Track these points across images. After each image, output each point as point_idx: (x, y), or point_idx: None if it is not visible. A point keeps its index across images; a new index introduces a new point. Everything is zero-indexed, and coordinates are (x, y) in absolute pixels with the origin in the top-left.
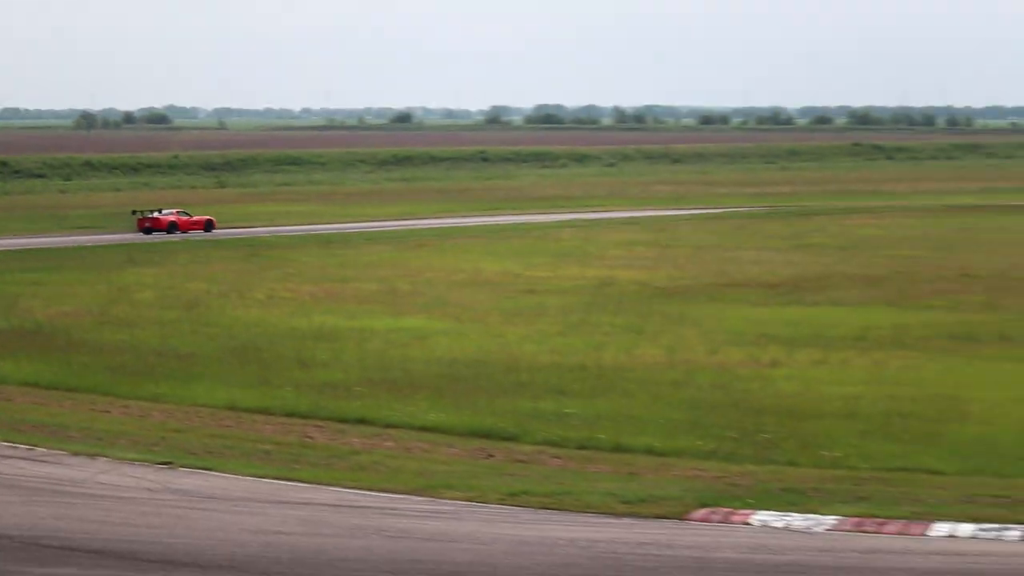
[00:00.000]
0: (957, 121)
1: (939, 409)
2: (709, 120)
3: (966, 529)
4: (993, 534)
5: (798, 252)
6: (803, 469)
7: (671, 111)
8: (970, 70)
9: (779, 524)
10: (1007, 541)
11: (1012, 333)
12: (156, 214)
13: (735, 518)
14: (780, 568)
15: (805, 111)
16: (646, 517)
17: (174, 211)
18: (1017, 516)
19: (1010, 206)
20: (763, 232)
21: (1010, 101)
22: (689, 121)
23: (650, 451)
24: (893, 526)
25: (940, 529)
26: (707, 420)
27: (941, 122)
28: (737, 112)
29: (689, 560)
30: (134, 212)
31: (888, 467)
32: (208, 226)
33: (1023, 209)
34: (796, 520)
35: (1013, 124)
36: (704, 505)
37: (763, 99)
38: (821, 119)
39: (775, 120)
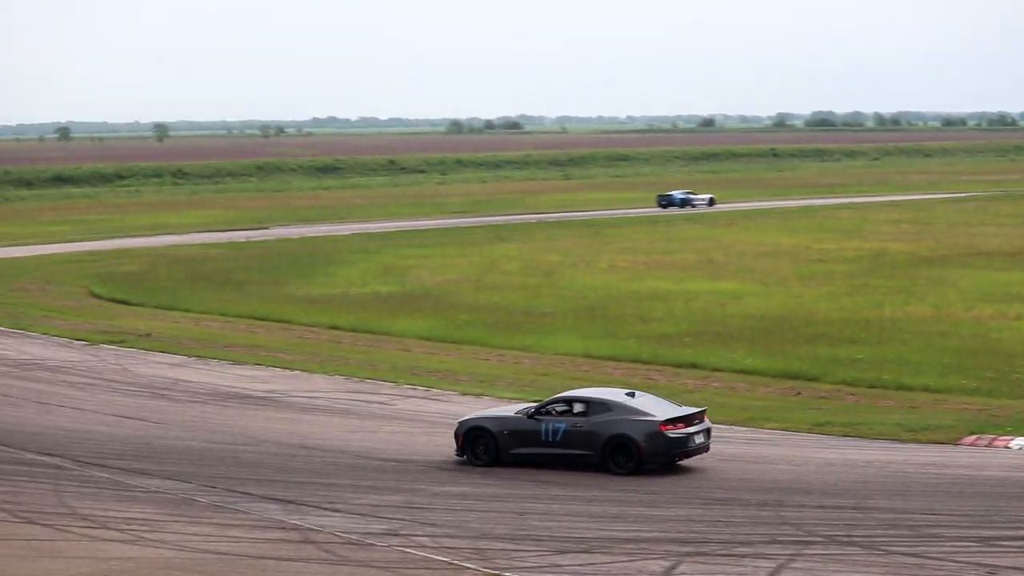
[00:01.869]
0: None
1: None
2: (950, 123)
3: None
4: None
5: None
6: None
7: (919, 115)
8: None
9: None
10: None
11: None
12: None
13: (998, 443)
14: None
15: None
16: (925, 443)
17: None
18: None
19: None
20: (1001, 212)
21: None
22: (934, 123)
23: (926, 389)
24: None
25: None
26: (969, 363)
27: None
28: (971, 116)
29: (963, 477)
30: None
31: None
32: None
33: None
34: None
35: None
36: (972, 432)
37: (992, 104)
38: None
39: (1002, 122)
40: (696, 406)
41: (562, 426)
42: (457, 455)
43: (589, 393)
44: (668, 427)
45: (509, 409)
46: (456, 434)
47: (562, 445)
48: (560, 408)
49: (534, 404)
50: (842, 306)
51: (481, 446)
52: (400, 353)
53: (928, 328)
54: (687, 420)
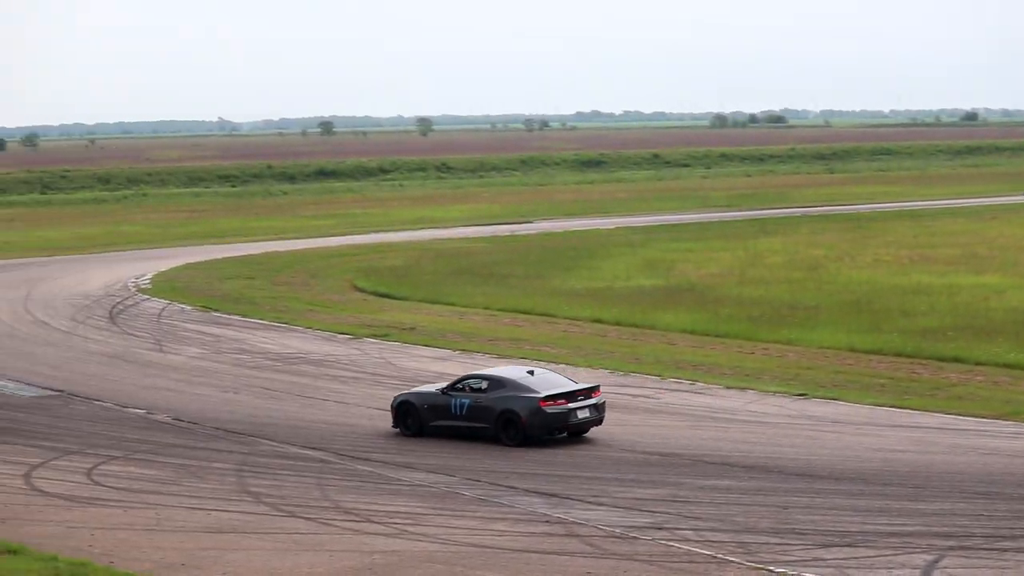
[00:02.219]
0: None
1: None
2: None
3: None
4: None
5: None
6: None
7: None
8: None
9: None
10: None
11: None
12: None
13: None
14: None
15: None
16: None
17: None
18: None
19: None
20: None
21: None
22: None
23: None
24: None
25: None
26: None
27: None
28: None
29: None
30: None
31: None
32: None
33: None
34: None
35: None
36: None
37: None
38: None
39: None
40: (589, 383)
41: (467, 401)
42: (393, 427)
43: (491, 371)
44: (547, 403)
45: (434, 386)
46: (391, 407)
47: (466, 419)
48: (474, 384)
49: (447, 382)
50: None
51: (409, 418)
52: (664, 346)
53: None
54: (569, 396)
